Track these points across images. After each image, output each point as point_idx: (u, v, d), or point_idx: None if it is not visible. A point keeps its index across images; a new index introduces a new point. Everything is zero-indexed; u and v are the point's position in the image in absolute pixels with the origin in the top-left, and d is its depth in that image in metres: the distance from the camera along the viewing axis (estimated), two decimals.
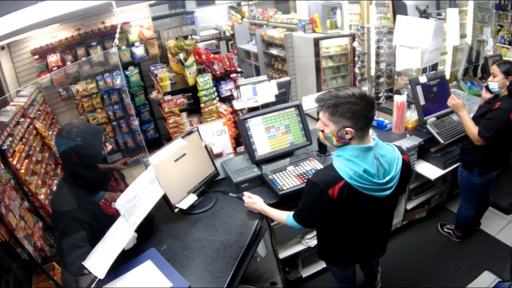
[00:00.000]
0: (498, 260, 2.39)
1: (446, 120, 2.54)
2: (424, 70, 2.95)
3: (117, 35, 2.04)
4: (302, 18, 5.12)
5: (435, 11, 2.99)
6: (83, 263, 1.32)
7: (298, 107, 2.11)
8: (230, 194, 1.92)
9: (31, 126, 2.77)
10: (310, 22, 4.77)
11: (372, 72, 3.27)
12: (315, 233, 2.18)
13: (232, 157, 2.13)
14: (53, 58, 3.63)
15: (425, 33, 2.55)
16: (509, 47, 3.90)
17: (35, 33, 3.42)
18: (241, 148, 2.29)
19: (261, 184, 1.98)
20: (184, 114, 3.20)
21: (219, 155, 2.07)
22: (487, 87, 2.17)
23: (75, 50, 3.80)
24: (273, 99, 2.25)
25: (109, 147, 1.62)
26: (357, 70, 3.49)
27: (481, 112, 2.15)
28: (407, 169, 1.39)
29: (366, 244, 1.55)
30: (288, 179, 1.91)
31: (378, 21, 3.44)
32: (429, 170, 2.44)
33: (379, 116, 2.71)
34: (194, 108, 3.22)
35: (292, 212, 1.49)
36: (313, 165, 2.01)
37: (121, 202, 1.39)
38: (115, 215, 1.41)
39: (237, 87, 2.28)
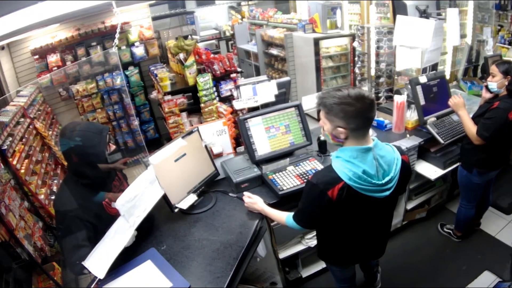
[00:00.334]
0: (498, 260, 2.39)
1: (446, 120, 2.54)
2: (424, 70, 2.95)
3: (117, 35, 2.04)
4: (302, 18, 5.12)
5: (435, 11, 2.99)
6: (83, 263, 1.32)
7: (298, 107, 2.11)
8: (230, 194, 1.92)
9: (31, 126, 2.77)
10: (310, 22, 4.77)
11: (372, 72, 3.27)
12: (315, 233, 2.18)
13: (232, 157, 2.13)
14: (53, 58, 3.63)
15: (425, 33, 2.55)
16: (509, 47, 3.91)
17: (35, 33, 3.42)
18: (241, 148, 2.29)
19: (261, 184, 1.98)
20: (184, 114, 3.20)
21: (219, 155, 2.07)
22: (487, 87, 2.18)
23: (75, 50, 3.80)
24: (273, 99, 2.25)
25: (113, 147, 1.62)
26: (357, 70, 3.49)
27: (480, 112, 2.16)
28: (406, 169, 1.39)
29: (366, 244, 1.55)
30: (288, 179, 1.91)
31: (378, 21, 3.44)
32: (429, 170, 2.44)
33: (379, 116, 2.71)
34: (194, 108, 3.23)
35: (292, 213, 1.49)
36: (313, 165, 2.01)
37: (121, 202, 1.39)
38: (117, 215, 1.41)
39: (237, 87, 2.28)
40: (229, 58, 3.13)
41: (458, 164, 2.40)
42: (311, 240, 2.28)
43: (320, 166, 1.99)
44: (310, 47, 4.57)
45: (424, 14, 2.75)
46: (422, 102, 2.46)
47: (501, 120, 2.00)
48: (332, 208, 1.29)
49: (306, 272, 2.41)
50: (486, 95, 2.20)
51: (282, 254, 2.24)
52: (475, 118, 2.17)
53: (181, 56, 3.21)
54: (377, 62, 3.15)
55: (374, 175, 1.26)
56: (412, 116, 2.56)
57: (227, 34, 6.84)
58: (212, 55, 3.20)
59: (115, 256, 1.38)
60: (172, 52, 3.42)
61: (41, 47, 3.56)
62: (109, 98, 3.98)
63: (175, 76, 3.43)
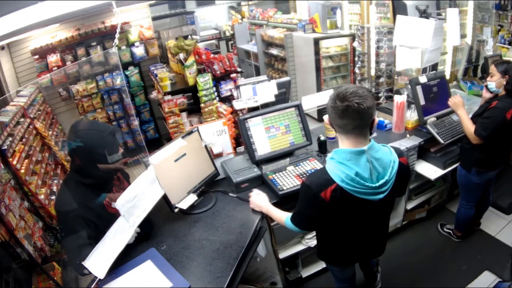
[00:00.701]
0: (498, 260, 2.39)
1: (446, 120, 2.53)
2: (424, 70, 2.95)
3: (117, 35, 2.05)
4: (302, 18, 5.12)
5: (435, 11, 2.99)
6: (83, 263, 1.32)
7: (298, 107, 2.11)
8: (230, 194, 1.92)
9: (31, 126, 2.77)
10: (310, 22, 4.78)
11: (372, 72, 3.28)
12: (314, 233, 2.18)
13: (232, 157, 2.13)
14: (53, 58, 3.64)
15: (425, 33, 2.55)
16: (509, 47, 3.91)
17: (35, 33, 3.42)
18: (241, 148, 2.29)
19: (261, 184, 1.98)
20: (184, 114, 3.21)
21: (219, 155, 2.07)
22: (487, 87, 2.19)
23: (75, 50, 3.80)
24: (273, 99, 2.25)
25: (121, 150, 1.60)
26: (357, 70, 3.50)
27: (479, 111, 2.16)
28: (404, 171, 1.37)
29: (363, 244, 1.55)
30: (288, 179, 1.91)
31: (378, 21, 3.44)
32: (429, 170, 2.44)
33: (379, 116, 2.71)
34: (194, 108, 3.23)
35: (291, 214, 1.49)
36: (313, 165, 2.01)
37: (121, 202, 1.39)
38: (118, 214, 1.41)
39: (237, 87, 2.28)
40: (229, 58, 3.13)
41: (458, 164, 2.40)
42: (311, 240, 2.28)
43: (320, 166, 1.99)
44: (310, 47, 4.57)
45: (424, 14, 2.75)
46: (422, 102, 2.46)
47: (498, 119, 2.01)
48: (326, 210, 1.29)
49: (306, 272, 2.41)
50: (487, 95, 2.21)
51: (282, 254, 2.24)
52: (474, 118, 2.18)
53: (181, 56, 3.21)
54: (377, 62, 3.16)
55: (367, 178, 1.25)
56: (412, 116, 2.56)
57: (227, 34, 6.84)
58: (212, 55, 3.21)
59: (115, 256, 1.38)
60: (172, 52, 3.42)
61: (41, 47, 3.56)
62: (109, 98, 3.98)
63: (175, 76, 3.43)
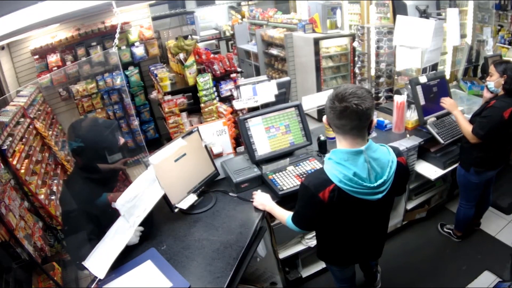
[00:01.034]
0: (498, 260, 2.39)
1: (446, 120, 2.54)
2: (424, 70, 2.95)
3: (117, 35, 2.05)
4: (302, 18, 5.12)
5: (435, 11, 2.99)
6: (83, 263, 1.32)
7: (298, 107, 2.11)
8: (230, 194, 1.92)
9: (31, 126, 2.77)
10: (310, 22, 4.77)
11: (372, 72, 3.27)
12: (314, 233, 2.19)
13: (232, 157, 2.13)
14: (53, 58, 3.63)
15: (425, 33, 2.55)
16: (509, 47, 3.91)
17: (35, 33, 3.42)
18: (241, 148, 2.29)
19: (261, 184, 1.98)
20: (184, 114, 3.20)
21: (219, 155, 2.07)
22: (487, 87, 2.19)
23: (75, 50, 3.80)
24: (273, 99, 2.25)
25: (122, 140, 1.66)
26: (357, 70, 3.49)
27: (478, 111, 2.17)
28: (403, 171, 1.36)
29: (363, 245, 1.55)
30: (288, 179, 1.91)
31: (378, 21, 3.43)
32: (429, 170, 2.44)
33: (379, 116, 2.72)
34: (194, 108, 3.23)
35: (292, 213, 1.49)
36: (313, 165, 2.01)
37: (121, 202, 1.40)
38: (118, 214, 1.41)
39: (237, 87, 2.28)
40: (229, 58, 3.13)
41: (458, 164, 2.40)
42: (311, 240, 2.28)
43: (320, 166, 1.99)
44: (310, 47, 4.57)
45: (424, 14, 2.75)
46: (422, 102, 2.46)
47: (496, 118, 2.01)
48: (325, 210, 1.29)
49: (306, 272, 2.41)
50: (487, 94, 2.21)
51: (282, 254, 2.24)
52: (474, 117, 2.18)
53: (181, 56, 3.21)
54: (377, 62, 3.15)
55: (365, 178, 1.25)
56: (412, 116, 2.56)
57: (227, 34, 6.84)
58: (212, 55, 3.20)
59: (115, 256, 1.38)
60: (172, 52, 3.42)
61: (41, 47, 3.56)
62: (109, 98, 3.98)
63: (175, 76, 3.43)
